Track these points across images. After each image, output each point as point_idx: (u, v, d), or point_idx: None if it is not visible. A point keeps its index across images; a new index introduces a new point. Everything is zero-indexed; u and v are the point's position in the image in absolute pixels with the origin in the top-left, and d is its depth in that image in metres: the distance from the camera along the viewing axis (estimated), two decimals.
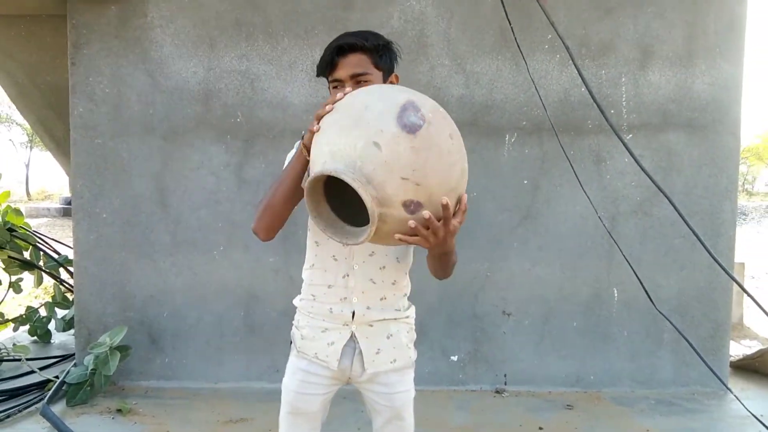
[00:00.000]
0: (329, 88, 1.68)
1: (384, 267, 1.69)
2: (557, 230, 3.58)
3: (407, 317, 1.78)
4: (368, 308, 1.67)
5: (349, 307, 1.67)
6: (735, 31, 3.53)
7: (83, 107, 3.49)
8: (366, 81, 1.59)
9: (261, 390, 3.52)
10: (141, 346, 3.58)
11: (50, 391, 3.25)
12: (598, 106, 2.85)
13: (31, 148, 28.56)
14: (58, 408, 3.21)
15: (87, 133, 3.50)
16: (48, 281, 4.73)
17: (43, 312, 4.52)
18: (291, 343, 1.79)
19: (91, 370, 3.28)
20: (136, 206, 3.54)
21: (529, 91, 3.48)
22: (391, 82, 1.69)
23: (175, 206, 3.54)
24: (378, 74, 1.63)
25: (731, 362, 3.85)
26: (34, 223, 4.84)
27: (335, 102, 1.37)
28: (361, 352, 1.69)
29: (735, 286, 3.77)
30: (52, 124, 4.64)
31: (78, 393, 3.27)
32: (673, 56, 3.52)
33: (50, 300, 4.55)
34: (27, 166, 28.92)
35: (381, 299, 1.69)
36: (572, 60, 2.83)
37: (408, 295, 1.79)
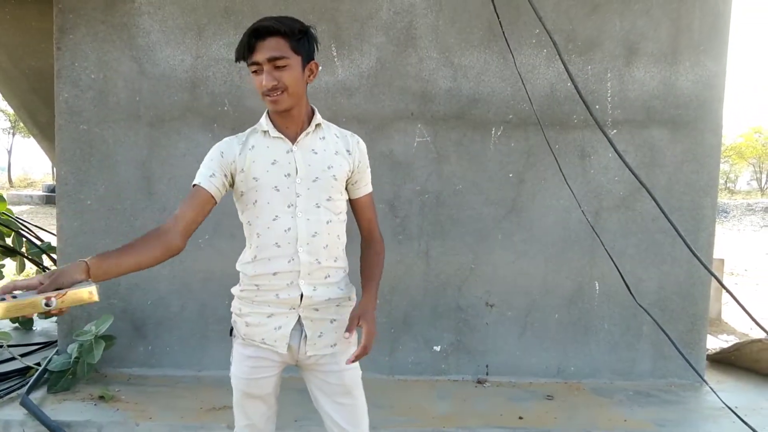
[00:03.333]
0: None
1: (327, 246, 1.73)
2: (542, 224, 3.61)
3: (350, 299, 1.82)
4: (314, 289, 1.71)
5: (297, 290, 1.69)
6: (719, 30, 3.57)
7: (68, 93, 3.46)
8: (284, 66, 1.60)
9: None
10: (124, 334, 3.57)
11: (31, 380, 3.24)
12: (584, 101, 2.88)
13: (13, 134, 28.15)
14: (39, 394, 3.20)
15: (72, 119, 3.47)
16: (31, 268, 4.69)
17: None
18: (232, 331, 1.82)
19: (75, 358, 3.26)
20: (121, 193, 3.52)
21: (516, 85, 3.50)
22: (311, 70, 1.70)
23: (160, 194, 3.53)
24: (296, 59, 1.63)
25: (708, 355, 3.92)
26: (16, 211, 4.79)
27: None
28: (305, 335, 1.72)
29: (714, 282, 3.84)
30: (37, 110, 4.59)
31: (60, 380, 3.26)
32: (658, 53, 3.56)
33: None
34: (9, 152, 28.53)
35: (326, 277, 1.73)
36: (559, 55, 2.86)
37: (347, 272, 1.83)
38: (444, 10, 3.49)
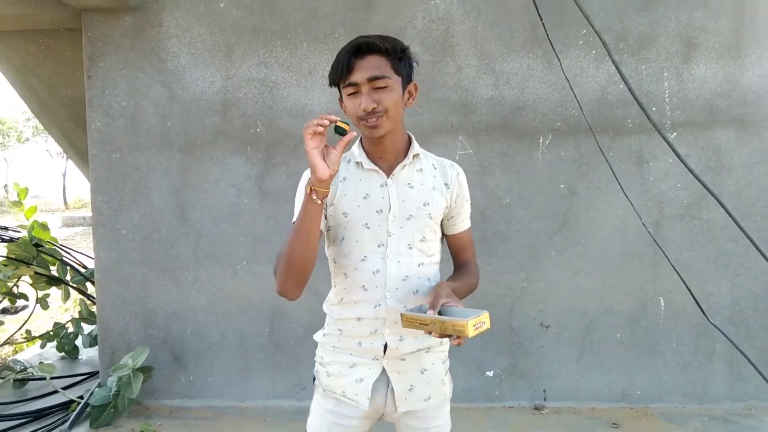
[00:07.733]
0: (341, 98, 1.54)
1: (417, 291, 1.57)
2: (597, 237, 3.35)
3: (441, 343, 1.64)
4: (401, 339, 1.55)
5: (381, 340, 1.55)
6: None
7: (100, 121, 3.40)
8: (384, 87, 1.46)
9: (288, 408, 3.39)
10: (164, 365, 3.48)
11: (73, 414, 3.17)
12: (639, 102, 2.62)
13: (66, 158, 29.09)
14: (82, 429, 3.14)
15: (105, 148, 3.41)
16: (76, 296, 4.68)
17: (71, 328, 4.47)
18: (314, 380, 1.68)
19: (114, 392, 3.19)
20: (156, 221, 3.44)
21: (563, 90, 3.27)
22: (410, 93, 1.56)
23: (195, 220, 3.43)
24: (397, 79, 1.49)
25: None
26: (70, 232, 4.81)
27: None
28: (393, 388, 1.57)
29: None
30: (75, 138, 4.58)
31: (101, 415, 3.18)
32: (719, 47, 3.26)
33: (77, 315, 4.50)
34: (64, 175, 29.48)
35: None
36: (609, 55, 2.62)
37: None
38: (482, 15, 3.28)
